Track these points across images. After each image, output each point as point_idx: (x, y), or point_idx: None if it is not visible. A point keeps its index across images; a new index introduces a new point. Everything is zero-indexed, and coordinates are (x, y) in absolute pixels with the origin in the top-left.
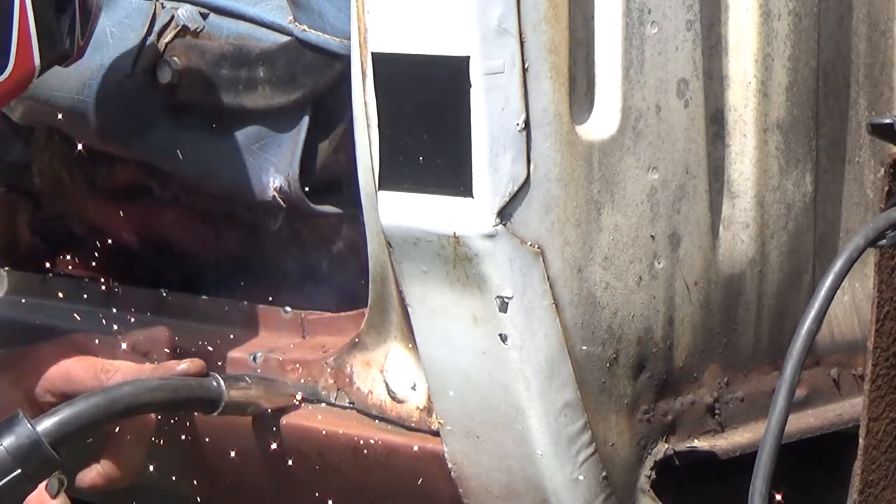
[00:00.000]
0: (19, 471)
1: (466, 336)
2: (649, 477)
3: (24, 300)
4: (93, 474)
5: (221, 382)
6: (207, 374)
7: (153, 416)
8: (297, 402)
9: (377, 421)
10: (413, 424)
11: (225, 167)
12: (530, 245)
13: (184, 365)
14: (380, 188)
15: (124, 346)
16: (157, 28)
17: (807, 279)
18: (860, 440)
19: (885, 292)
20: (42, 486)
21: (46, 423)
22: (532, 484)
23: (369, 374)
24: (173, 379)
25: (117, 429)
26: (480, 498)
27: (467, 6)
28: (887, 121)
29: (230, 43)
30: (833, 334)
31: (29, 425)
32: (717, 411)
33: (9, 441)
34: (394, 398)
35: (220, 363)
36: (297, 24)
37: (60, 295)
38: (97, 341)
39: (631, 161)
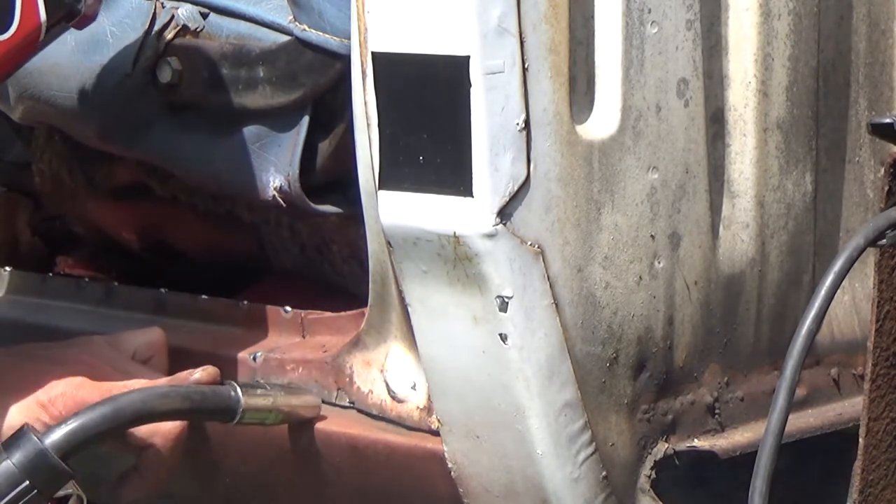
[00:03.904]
0: (27, 482)
1: (466, 336)
2: (649, 477)
3: (24, 300)
4: (131, 484)
5: (238, 391)
6: (223, 382)
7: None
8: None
9: (377, 421)
10: (413, 424)
11: (225, 167)
12: (530, 245)
13: (197, 374)
14: (380, 188)
15: (126, 356)
16: (157, 27)
17: (807, 279)
18: (860, 440)
19: (885, 292)
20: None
21: (54, 437)
22: (532, 484)
23: (369, 373)
24: (184, 386)
25: (151, 437)
26: (480, 498)
27: (467, 6)
28: (887, 121)
29: (230, 42)
30: (833, 334)
31: (36, 439)
32: (717, 411)
33: (17, 456)
34: (394, 398)
35: (219, 363)
36: (297, 23)
37: (60, 295)
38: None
39: (631, 161)
